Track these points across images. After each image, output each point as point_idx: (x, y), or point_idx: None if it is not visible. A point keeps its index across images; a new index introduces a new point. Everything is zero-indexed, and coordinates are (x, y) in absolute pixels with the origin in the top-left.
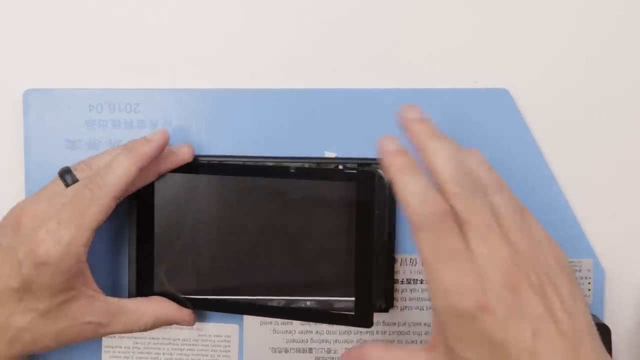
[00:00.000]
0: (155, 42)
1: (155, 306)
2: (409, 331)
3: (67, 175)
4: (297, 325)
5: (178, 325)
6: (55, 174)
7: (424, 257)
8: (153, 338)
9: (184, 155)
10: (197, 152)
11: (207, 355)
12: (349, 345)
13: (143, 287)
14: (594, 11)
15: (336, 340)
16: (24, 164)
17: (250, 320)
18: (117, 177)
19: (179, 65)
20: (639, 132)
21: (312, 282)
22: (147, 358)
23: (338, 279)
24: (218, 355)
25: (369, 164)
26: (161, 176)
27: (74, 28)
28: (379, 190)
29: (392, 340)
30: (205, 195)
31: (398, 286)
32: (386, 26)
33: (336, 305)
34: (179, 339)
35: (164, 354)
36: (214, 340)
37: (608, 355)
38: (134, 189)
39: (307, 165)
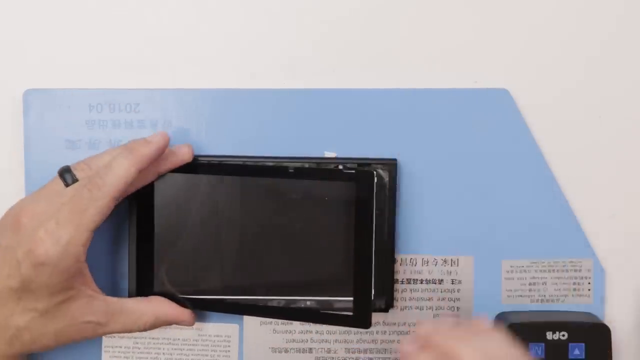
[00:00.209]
0: (155, 42)
1: (155, 306)
2: (409, 331)
3: (66, 175)
4: (297, 325)
5: (178, 325)
6: (55, 174)
7: None
8: (153, 338)
9: (183, 155)
10: (197, 152)
11: (207, 355)
12: (349, 345)
13: (143, 287)
14: (594, 11)
15: (336, 340)
16: (24, 164)
17: (250, 320)
18: (116, 178)
19: (179, 65)
20: (639, 132)
21: (311, 282)
22: (147, 358)
23: (337, 279)
24: (218, 355)
25: (369, 164)
26: (161, 176)
27: (74, 28)
28: (379, 190)
29: (392, 340)
30: (205, 195)
31: (398, 286)
32: (386, 26)
33: (336, 305)
34: (179, 339)
35: (164, 354)
36: (214, 340)
37: None
38: (133, 189)
39: (307, 165)
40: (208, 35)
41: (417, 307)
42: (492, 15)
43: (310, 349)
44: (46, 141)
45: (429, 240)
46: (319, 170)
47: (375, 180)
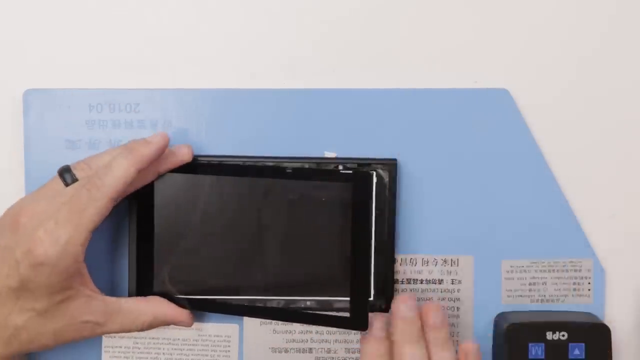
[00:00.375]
0: (155, 42)
1: (153, 306)
2: None
3: (66, 174)
4: (297, 325)
5: (176, 326)
6: (55, 174)
7: None
8: (153, 338)
9: (183, 155)
10: (197, 152)
11: (207, 355)
12: (349, 345)
13: (143, 287)
14: (594, 11)
15: (336, 340)
16: (24, 164)
17: (250, 320)
18: (115, 179)
19: (179, 65)
20: (639, 132)
21: (310, 283)
22: (147, 358)
23: (336, 280)
24: (218, 355)
25: (369, 164)
26: (161, 176)
27: (74, 28)
28: (379, 190)
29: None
30: (204, 196)
31: (398, 286)
32: (386, 26)
33: (335, 306)
34: (179, 339)
35: (164, 354)
36: (214, 340)
37: None
38: (132, 189)
39: (307, 166)
40: (208, 35)
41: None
42: (492, 15)
43: (310, 349)
44: (46, 141)
45: (429, 240)
46: (316, 171)
47: (375, 180)
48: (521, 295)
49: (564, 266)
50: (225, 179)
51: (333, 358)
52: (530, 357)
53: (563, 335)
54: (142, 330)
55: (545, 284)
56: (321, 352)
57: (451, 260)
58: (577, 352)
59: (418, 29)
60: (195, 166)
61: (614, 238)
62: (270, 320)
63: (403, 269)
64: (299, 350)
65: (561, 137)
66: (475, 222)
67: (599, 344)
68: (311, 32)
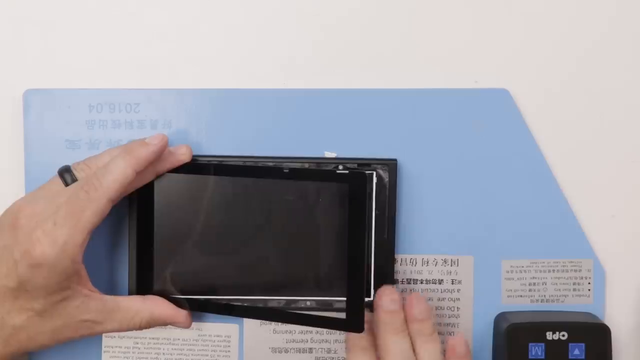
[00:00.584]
0: (155, 42)
1: (151, 305)
2: None
3: (66, 174)
4: (297, 325)
5: (174, 326)
6: (55, 174)
7: None
8: (153, 338)
9: (182, 156)
10: (197, 152)
11: (207, 355)
12: None
13: (143, 287)
14: (594, 11)
15: (336, 340)
16: (24, 164)
17: (250, 320)
18: (113, 180)
19: (179, 65)
20: (639, 132)
21: (310, 283)
22: (147, 358)
23: (334, 280)
24: (218, 355)
25: (369, 164)
26: (161, 176)
27: (74, 28)
28: (379, 190)
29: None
30: (204, 196)
31: (398, 286)
32: (386, 26)
33: (335, 306)
34: (179, 339)
35: (164, 354)
36: (214, 340)
37: None
38: (131, 189)
39: (307, 166)
40: (208, 35)
41: None
42: (492, 15)
43: (310, 349)
44: (46, 141)
45: (429, 240)
46: (313, 171)
47: (375, 180)
48: (521, 295)
49: (564, 266)
50: (225, 179)
51: (333, 358)
52: (530, 357)
53: (563, 335)
54: (140, 329)
55: (545, 284)
56: (321, 352)
57: (451, 260)
58: (577, 352)
59: (418, 29)
60: (195, 166)
61: (614, 238)
62: (269, 321)
63: (403, 269)
64: (299, 350)
65: (561, 137)
66: (475, 222)
67: (599, 344)
68: (311, 32)
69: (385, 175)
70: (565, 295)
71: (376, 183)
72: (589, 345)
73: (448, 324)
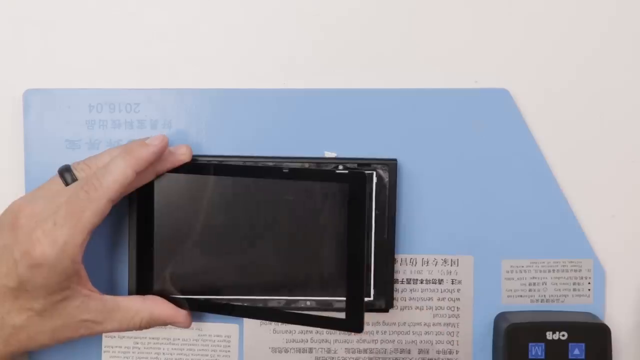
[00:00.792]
0: (155, 42)
1: (151, 305)
2: (409, 331)
3: (66, 174)
4: (297, 325)
5: (174, 326)
6: (55, 174)
7: None
8: (153, 338)
9: (182, 155)
10: (197, 152)
11: (207, 355)
12: (349, 345)
13: (143, 287)
14: (594, 12)
15: (336, 340)
16: (24, 164)
17: (250, 320)
18: (113, 180)
19: (179, 65)
20: (639, 132)
21: (310, 283)
22: (147, 358)
23: (334, 280)
24: (218, 355)
25: (369, 164)
26: (161, 176)
27: (74, 28)
28: (379, 190)
29: (392, 340)
30: (204, 196)
31: (398, 286)
32: (386, 26)
33: (335, 306)
34: (179, 339)
35: (164, 354)
36: (214, 340)
37: None
38: (131, 189)
39: (307, 166)
40: (208, 35)
41: (417, 307)
42: (492, 15)
43: (310, 349)
44: (46, 141)
45: (429, 240)
46: (313, 171)
47: (375, 180)
48: (521, 295)
49: (564, 266)
50: (225, 179)
51: (333, 358)
52: (530, 357)
53: (563, 335)
54: (139, 329)
55: (545, 284)
56: (321, 352)
57: (451, 260)
58: (577, 352)
59: (418, 29)
60: (195, 166)
61: (614, 238)
62: (269, 321)
63: (403, 269)
64: (299, 350)
65: (561, 137)
66: (475, 222)
67: (599, 344)
68: (311, 32)
69: (385, 175)
70: (565, 295)
71: (376, 183)
72: (589, 345)
73: (448, 324)
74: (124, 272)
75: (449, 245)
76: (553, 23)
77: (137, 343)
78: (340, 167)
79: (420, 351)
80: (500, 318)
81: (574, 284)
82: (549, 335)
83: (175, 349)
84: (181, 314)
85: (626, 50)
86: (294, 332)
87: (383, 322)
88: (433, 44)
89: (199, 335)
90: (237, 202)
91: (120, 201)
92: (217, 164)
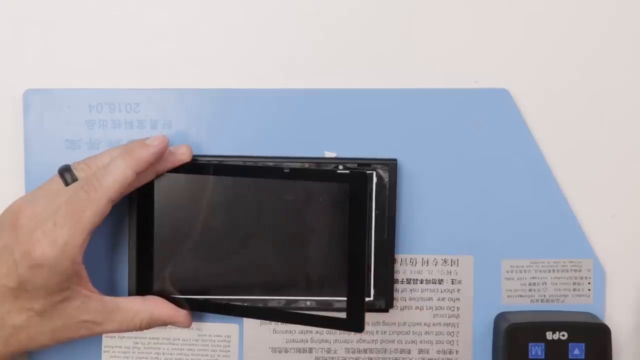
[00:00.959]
0: (155, 42)
1: (151, 305)
2: (409, 331)
3: (66, 174)
4: (297, 325)
5: (175, 326)
6: (55, 174)
7: None
8: (153, 338)
9: (182, 155)
10: (197, 152)
11: (207, 355)
12: (349, 345)
13: (143, 287)
14: (594, 12)
15: (336, 340)
16: (24, 164)
17: (250, 320)
18: (113, 180)
19: (179, 65)
20: (639, 132)
21: (310, 283)
22: (147, 358)
23: (334, 280)
24: (218, 355)
25: (369, 164)
26: (161, 176)
27: (74, 28)
28: (379, 190)
29: (392, 340)
30: (204, 196)
31: (398, 286)
32: (386, 26)
33: (335, 306)
34: (179, 339)
35: (164, 354)
36: (214, 340)
37: None
38: (131, 189)
39: (307, 166)
40: (208, 35)
41: (417, 307)
42: (492, 15)
43: (310, 349)
44: (46, 141)
45: (429, 240)
46: (313, 171)
47: (375, 180)
48: (521, 295)
49: (564, 266)
50: (225, 179)
51: (333, 358)
52: (530, 357)
53: (563, 335)
54: (140, 329)
55: (545, 284)
56: (321, 352)
57: (451, 260)
58: (577, 352)
59: (418, 29)
60: (195, 166)
61: (614, 238)
62: (269, 321)
63: (403, 269)
64: (299, 350)
65: (561, 137)
66: (475, 222)
67: (599, 344)
68: (311, 32)
69: (385, 175)
70: (565, 295)
71: (376, 183)
72: (589, 345)
73: (448, 324)
74: (124, 272)
75: (449, 245)
76: (553, 23)
77: (137, 343)
78: (341, 167)
79: (420, 351)
80: (500, 318)
81: (574, 284)
82: (549, 335)
83: (175, 349)
84: (181, 314)
85: (626, 50)
86: (294, 332)
87: (383, 322)
88: (433, 44)
89: (199, 335)
90: (237, 202)
91: (120, 201)
92: (217, 164)
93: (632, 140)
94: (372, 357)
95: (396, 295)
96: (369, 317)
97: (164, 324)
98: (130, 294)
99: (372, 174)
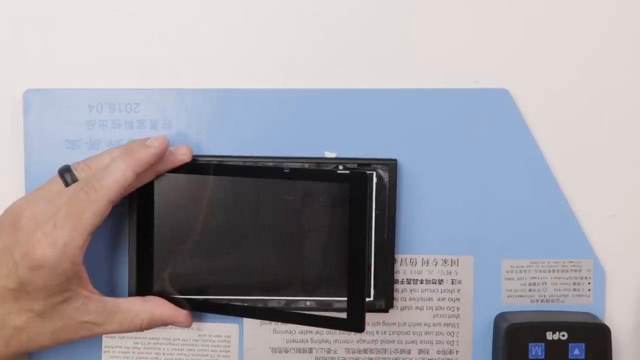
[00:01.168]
0: (155, 42)
1: (151, 306)
2: (409, 331)
3: (66, 174)
4: (297, 325)
5: (175, 326)
6: (55, 174)
7: None
8: (153, 338)
9: (182, 156)
10: (197, 152)
11: (207, 355)
12: (349, 346)
13: (143, 287)
14: (594, 12)
15: (336, 340)
16: (24, 164)
17: (250, 320)
18: (113, 181)
19: (179, 65)
20: (639, 132)
21: (310, 283)
22: (147, 358)
23: (334, 280)
24: (218, 355)
25: (369, 164)
26: (161, 176)
27: (74, 28)
28: (379, 190)
29: (392, 340)
30: (204, 196)
31: (398, 286)
32: (386, 26)
33: (334, 306)
34: (179, 339)
35: (164, 354)
36: (214, 340)
37: None
38: (131, 189)
39: (306, 166)
40: (208, 35)
41: (417, 307)
42: (492, 15)
43: (310, 349)
44: (46, 141)
45: (429, 240)
46: (314, 171)
47: (375, 180)
48: (521, 295)
49: (564, 266)
50: (225, 179)
51: (333, 358)
52: (530, 357)
53: (563, 335)
54: (140, 330)
55: (545, 284)
56: (321, 352)
57: (451, 260)
58: (577, 352)
59: (418, 29)
60: (195, 166)
61: (614, 238)
62: (269, 321)
63: (403, 269)
64: (299, 350)
65: (561, 137)
66: (475, 222)
67: (599, 344)
68: (311, 32)
69: (385, 175)
70: (565, 295)
71: (376, 183)
72: (589, 345)
73: (448, 324)
74: (124, 272)
75: (449, 245)
76: (553, 23)
77: (137, 343)
78: (341, 167)
79: (420, 351)
80: (500, 318)
81: (574, 284)
82: (549, 335)
83: (175, 349)
84: (182, 313)
85: (626, 50)
86: (294, 332)
87: (383, 322)
88: (433, 44)
89: (199, 335)
90: (237, 202)
91: (120, 201)
92: (217, 164)
93: (632, 140)
94: (372, 357)
95: (396, 295)
96: (369, 317)
97: (164, 324)
98: (130, 295)
99: (372, 174)
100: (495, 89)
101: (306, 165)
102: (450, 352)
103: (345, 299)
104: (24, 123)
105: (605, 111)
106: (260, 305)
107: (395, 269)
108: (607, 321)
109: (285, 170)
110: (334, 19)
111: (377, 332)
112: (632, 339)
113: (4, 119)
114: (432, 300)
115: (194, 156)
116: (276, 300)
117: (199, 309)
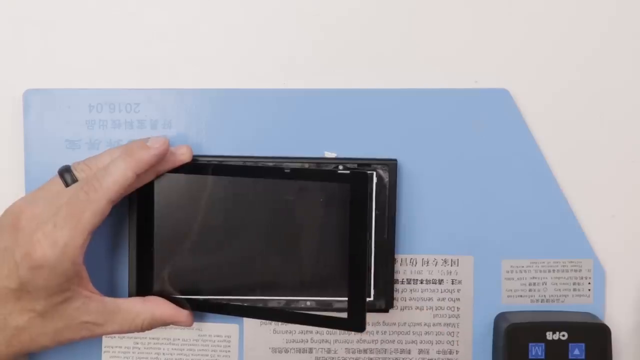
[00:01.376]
0: (155, 42)
1: (152, 306)
2: (409, 331)
3: (66, 175)
4: (297, 325)
5: (176, 326)
6: (55, 174)
7: None
8: (153, 338)
9: (182, 156)
10: (197, 152)
11: (207, 355)
12: (349, 345)
13: (143, 287)
14: (594, 12)
15: (336, 340)
16: (24, 164)
17: (250, 320)
18: (113, 181)
19: (179, 65)
20: (639, 132)
21: (310, 283)
22: (147, 358)
23: (335, 280)
24: (218, 355)
25: (369, 164)
26: (161, 176)
27: (74, 28)
28: (379, 190)
29: (392, 340)
30: (204, 196)
31: (398, 286)
32: (386, 26)
33: (335, 306)
34: (179, 339)
35: (164, 354)
36: (214, 340)
37: None
38: (131, 190)
39: (306, 166)
40: (208, 35)
41: (417, 307)
42: (492, 15)
43: (310, 349)
44: (46, 141)
45: (429, 240)
46: (314, 171)
47: (375, 180)
48: (521, 295)
49: (564, 266)
50: (225, 179)
51: (333, 358)
52: (530, 357)
53: (563, 335)
54: (141, 330)
55: (545, 284)
56: (321, 352)
57: (451, 260)
58: (577, 352)
59: (418, 29)
60: (195, 166)
61: (614, 238)
62: (270, 321)
63: (403, 269)
64: (299, 350)
65: (561, 137)
66: (475, 222)
67: (599, 344)
68: (311, 32)
69: (385, 175)
70: (565, 295)
71: (376, 183)
72: (589, 345)
73: (448, 324)
74: (124, 272)
75: (449, 245)
76: (553, 23)
77: (137, 343)
78: (341, 167)
79: (420, 351)
80: (500, 318)
81: (574, 284)
82: (549, 336)
83: (175, 349)
84: (183, 313)
85: (626, 50)
86: (294, 332)
87: (383, 322)
88: (433, 44)
89: (199, 335)
90: (237, 202)
91: (120, 201)
92: (217, 164)
93: (632, 140)
94: (372, 357)
95: (396, 295)
96: (369, 317)
97: (165, 324)
98: (130, 295)
99: (372, 174)
100: (495, 89)
101: (306, 165)
102: (450, 352)
103: (346, 298)
104: (24, 123)
105: (605, 111)
106: (261, 305)
107: (395, 269)
108: (607, 321)
109: (286, 171)
110: (334, 19)
111: (377, 332)
112: (632, 339)
113: (4, 119)
114: (432, 300)
115: (194, 156)
116: (276, 300)
117: (199, 309)
